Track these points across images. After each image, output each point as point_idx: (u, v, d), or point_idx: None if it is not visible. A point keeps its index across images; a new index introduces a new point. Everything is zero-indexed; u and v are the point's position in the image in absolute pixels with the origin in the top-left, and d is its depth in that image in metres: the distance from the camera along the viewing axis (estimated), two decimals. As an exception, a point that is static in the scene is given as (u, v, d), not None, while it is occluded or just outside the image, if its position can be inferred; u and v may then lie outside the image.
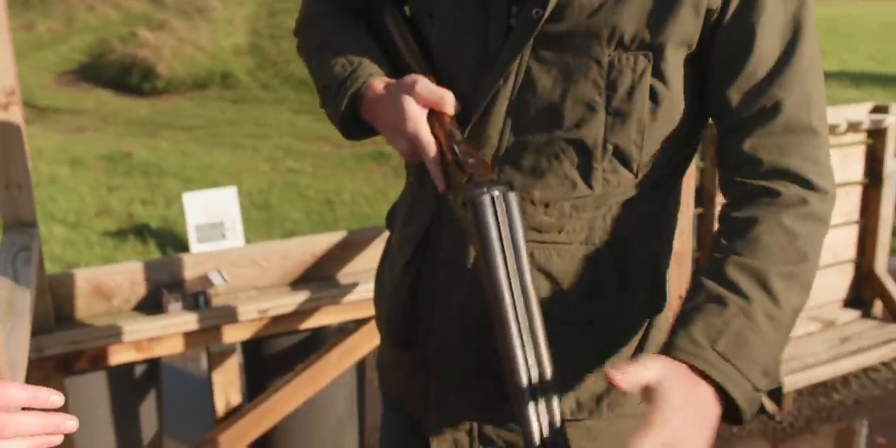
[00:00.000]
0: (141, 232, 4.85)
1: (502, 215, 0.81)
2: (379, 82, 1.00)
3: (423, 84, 0.96)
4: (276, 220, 5.21)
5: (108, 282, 2.01)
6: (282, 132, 8.11)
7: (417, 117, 0.95)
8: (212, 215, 3.41)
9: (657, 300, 1.04)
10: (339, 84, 1.02)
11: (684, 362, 0.81)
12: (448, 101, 0.95)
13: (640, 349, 1.03)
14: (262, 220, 5.17)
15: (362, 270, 2.29)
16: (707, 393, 0.80)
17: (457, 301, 1.02)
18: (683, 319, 0.85)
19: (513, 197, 0.82)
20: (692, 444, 0.75)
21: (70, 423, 0.69)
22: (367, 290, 2.18)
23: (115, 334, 1.90)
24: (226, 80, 10.42)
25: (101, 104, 9.56)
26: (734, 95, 0.92)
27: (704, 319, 0.83)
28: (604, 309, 0.99)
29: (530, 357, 0.79)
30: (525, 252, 0.81)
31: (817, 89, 0.92)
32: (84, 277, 1.98)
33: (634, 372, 0.77)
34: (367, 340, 2.23)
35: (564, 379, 0.99)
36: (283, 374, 2.27)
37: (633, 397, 1.03)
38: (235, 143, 7.50)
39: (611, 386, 1.00)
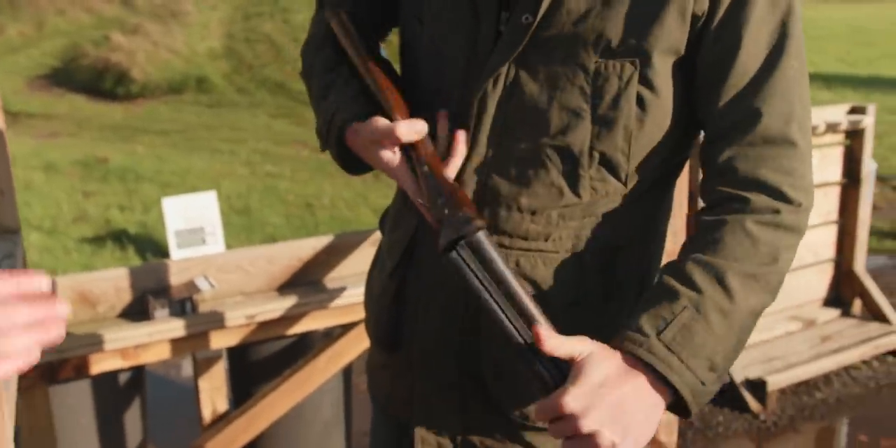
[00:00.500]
0: (119, 238, 4.79)
1: (475, 264, 0.87)
2: (352, 132, 1.00)
3: (378, 128, 0.95)
4: (256, 224, 5.17)
5: (93, 289, 1.98)
6: (259, 136, 8.07)
7: (392, 163, 0.96)
8: (191, 220, 3.39)
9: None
10: (326, 131, 1.03)
11: (627, 351, 0.85)
12: (403, 132, 0.94)
13: None
14: (242, 225, 5.13)
15: (349, 275, 2.28)
16: (641, 381, 0.84)
17: (438, 305, 1.02)
18: (635, 311, 0.88)
19: (481, 236, 0.87)
20: (609, 424, 0.80)
21: (60, 309, 0.66)
22: (354, 294, 2.17)
23: (100, 342, 1.87)
24: (201, 85, 10.35)
25: (75, 109, 9.45)
26: (716, 104, 0.92)
27: (653, 310, 0.86)
28: (590, 317, 0.99)
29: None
30: (514, 284, 0.87)
31: (801, 100, 0.92)
32: (68, 284, 1.95)
33: (564, 340, 0.84)
34: (355, 345, 2.22)
35: None
36: (268, 380, 2.25)
37: None
38: (212, 148, 7.45)
39: None
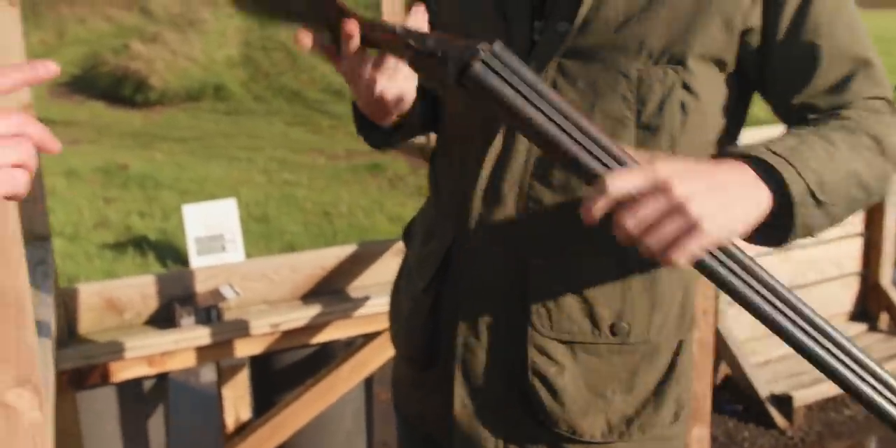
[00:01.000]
0: (140, 244, 4.81)
1: (504, 70, 0.75)
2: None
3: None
4: (274, 232, 5.18)
5: (120, 296, 1.98)
6: (276, 144, 8.10)
7: (350, 66, 0.89)
8: (211, 228, 3.39)
9: (686, 319, 1.03)
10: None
11: (728, 155, 0.78)
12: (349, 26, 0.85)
13: (669, 372, 1.02)
14: (260, 233, 5.14)
15: (372, 284, 2.27)
16: (745, 169, 0.75)
17: (483, 320, 1.00)
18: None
19: (498, 47, 0.76)
20: (702, 193, 0.69)
21: (42, 69, 0.55)
22: (378, 304, 2.17)
23: (128, 349, 1.87)
24: (219, 92, 10.42)
25: (95, 116, 9.53)
26: (805, 103, 0.91)
27: (758, 143, 0.80)
28: (635, 328, 0.98)
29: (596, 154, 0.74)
30: (548, 89, 0.76)
31: (885, 80, 0.93)
32: (95, 291, 1.96)
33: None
34: (378, 354, 2.21)
35: (594, 400, 0.98)
36: (289, 389, 2.24)
37: (664, 419, 1.02)
38: (230, 155, 7.48)
39: (642, 407, 0.99)
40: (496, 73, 0.75)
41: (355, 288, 2.25)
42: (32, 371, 1.01)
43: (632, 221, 0.70)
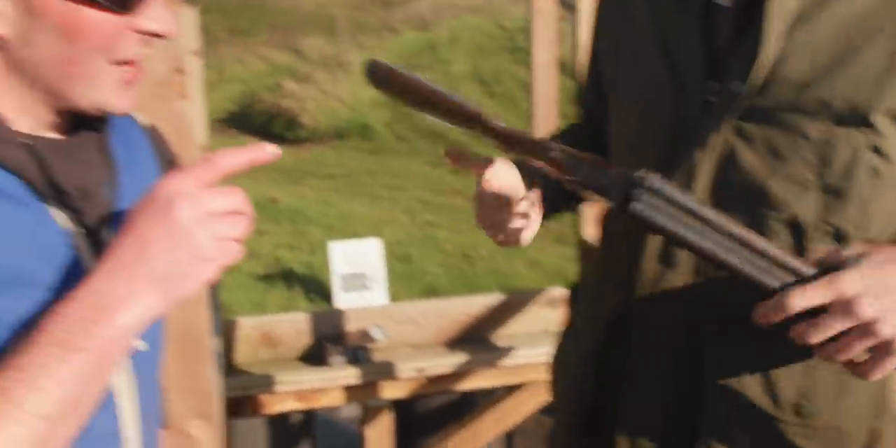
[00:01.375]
0: (287, 277, 5.00)
1: (665, 204, 0.78)
2: None
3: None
4: (416, 273, 5.26)
5: (276, 329, 2.05)
6: (418, 184, 8.26)
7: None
8: (355, 266, 3.46)
9: (883, 405, 0.93)
10: None
11: None
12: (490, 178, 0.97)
13: None
14: (402, 273, 5.23)
15: (518, 334, 2.25)
16: None
17: (654, 390, 0.96)
18: None
19: (656, 182, 0.77)
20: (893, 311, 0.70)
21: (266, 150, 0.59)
22: (523, 355, 2.14)
23: (280, 383, 1.92)
24: (364, 131, 10.77)
25: (249, 151, 10.05)
26: None
27: None
28: (823, 408, 0.90)
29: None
30: (714, 214, 0.78)
31: None
32: (252, 325, 2.04)
33: None
34: (522, 406, 2.18)
35: None
36: (431, 434, 2.23)
37: None
38: (374, 194, 7.69)
39: None
40: (657, 207, 0.78)
41: (500, 337, 2.23)
42: (210, 403, 1.04)
43: (815, 337, 0.72)
